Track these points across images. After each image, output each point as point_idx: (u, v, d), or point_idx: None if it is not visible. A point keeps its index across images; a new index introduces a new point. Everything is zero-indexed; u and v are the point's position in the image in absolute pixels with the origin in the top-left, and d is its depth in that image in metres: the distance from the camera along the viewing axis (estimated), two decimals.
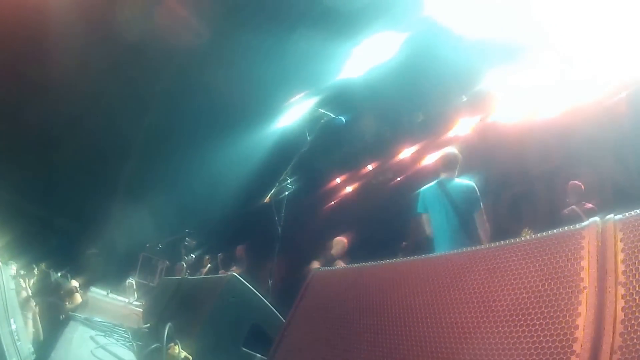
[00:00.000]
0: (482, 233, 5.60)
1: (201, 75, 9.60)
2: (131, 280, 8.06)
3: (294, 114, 10.86)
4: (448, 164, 5.89)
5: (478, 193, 5.67)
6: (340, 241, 8.61)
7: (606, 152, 8.08)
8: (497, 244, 1.62)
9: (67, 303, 7.09)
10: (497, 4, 7.76)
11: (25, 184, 11.02)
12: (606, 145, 8.07)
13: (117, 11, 8.30)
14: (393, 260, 2.12)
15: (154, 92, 9.98)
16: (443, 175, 5.86)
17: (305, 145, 4.54)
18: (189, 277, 4.68)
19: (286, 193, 4.50)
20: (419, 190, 6.01)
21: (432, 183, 5.89)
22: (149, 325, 3.65)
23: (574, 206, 7.08)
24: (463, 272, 1.62)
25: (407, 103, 10.30)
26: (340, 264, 7.28)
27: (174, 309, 3.66)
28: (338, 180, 13.16)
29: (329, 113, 4.71)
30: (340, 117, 4.64)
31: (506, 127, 9.65)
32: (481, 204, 5.64)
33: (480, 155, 9.87)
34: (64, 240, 10.89)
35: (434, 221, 5.75)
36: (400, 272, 1.92)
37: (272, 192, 4.48)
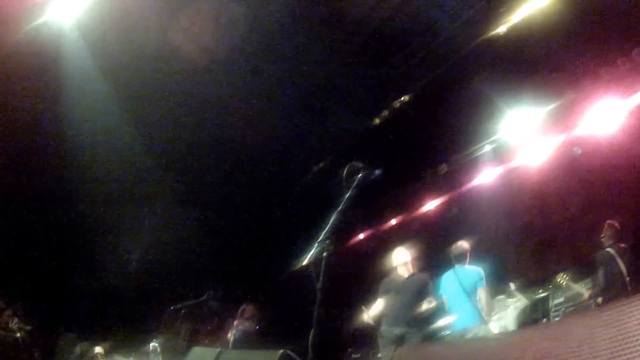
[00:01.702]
0: (483, 307, 6.68)
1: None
2: (155, 344, 7.75)
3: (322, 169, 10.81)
4: (459, 256, 7.10)
5: (482, 275, 6.85)
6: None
7: (629, 196, 7.88)
8: (621, 302, 1.50)
9: None
10: (513, 52, 7.79)
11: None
12: (628, 188, 7.90)
13: None
14: (505, 332, 1.99)
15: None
16: (456, 265, 7.07)
17: (343, 203, 4.35)
18: (229, 350, 4.43)
19: (325, 255, 4.22)
20: (439, 277, 7.19)
21: (449, 270, 7.13)
22: None
23: (608, 248, 6.95)
24: (588, 335, 1.53)
25: (430, 154, 10.30)
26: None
27: None
28: (361, 236, 12.85)
29: (365, 166, 4.51)
30: (377, 169, 4.46)
31: (527, 175, 9.52)
32: (484, 283, 6.79)
33: (503, 205, 9.82)
34: (83, 300, 10.63)
35: (449, 301, 6.95)
36: (513, 345, 1.84)
37: (310, 253, 4.24)
